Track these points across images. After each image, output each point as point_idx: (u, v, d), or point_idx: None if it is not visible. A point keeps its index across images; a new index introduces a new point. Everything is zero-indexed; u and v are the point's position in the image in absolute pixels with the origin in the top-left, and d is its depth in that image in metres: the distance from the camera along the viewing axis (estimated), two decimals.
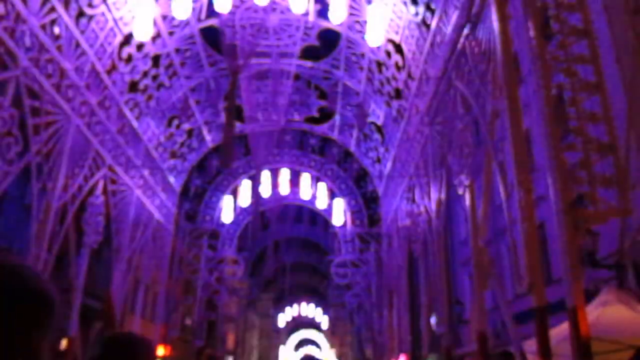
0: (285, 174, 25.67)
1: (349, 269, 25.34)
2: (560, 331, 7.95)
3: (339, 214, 25.39)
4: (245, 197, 26.01)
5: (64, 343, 14.60)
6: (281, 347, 59.47)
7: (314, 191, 25.75)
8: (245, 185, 26.05)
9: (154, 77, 17.17)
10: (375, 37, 14.38)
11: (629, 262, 11.27)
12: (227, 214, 25.99)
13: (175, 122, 20.31)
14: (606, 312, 8.70)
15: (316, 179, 25.85)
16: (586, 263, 11.16)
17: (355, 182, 25.57)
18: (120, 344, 1.98)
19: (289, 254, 40.63)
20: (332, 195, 25.80)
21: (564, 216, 6.70)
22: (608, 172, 6.98)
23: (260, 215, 27.13)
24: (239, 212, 28.73)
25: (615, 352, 7.91)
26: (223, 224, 26.65)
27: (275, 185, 25.64)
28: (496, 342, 15.58)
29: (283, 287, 42.96)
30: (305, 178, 25.67)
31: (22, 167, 10.68)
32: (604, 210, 6.95)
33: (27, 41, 10.58)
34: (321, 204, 25.88)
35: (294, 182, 25.75)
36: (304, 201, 27.02)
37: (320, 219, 31.53)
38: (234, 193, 26.66)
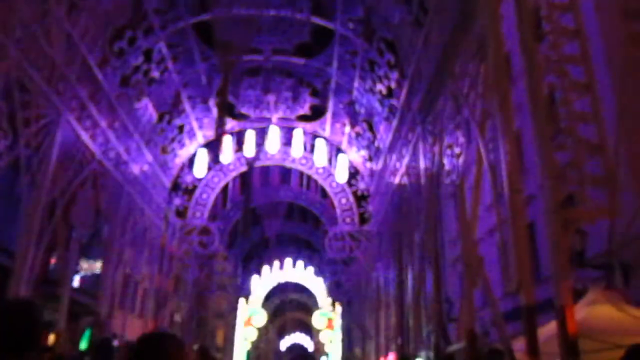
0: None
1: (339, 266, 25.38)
2: (548, 330, 8.01)
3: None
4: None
5: (51, 337, 14.53)
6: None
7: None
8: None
9: (146, 72, 17.11)
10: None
11: (617, 262, 11.36)
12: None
13: (167, 117, 20.24)
14: (594, 311, 8.77)
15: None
16: (575, 263, 11.24)
17: (346, 180, 25.55)
18: (152, 343, 1.98)
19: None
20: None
21: (554, 215, 6.73)
22: (597, 172, 7.02)
23: (252, 211, 27.05)
24: (230, 207, 28.76)
25: (602, 351, 7.97)
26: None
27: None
28: (484, 340, 15.65)
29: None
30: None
31: (12, 160, 10.61)
32: (593, 210, 7.00)
33: (18, 33, 10.49)
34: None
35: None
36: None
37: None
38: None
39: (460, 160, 10.62)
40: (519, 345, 8.22)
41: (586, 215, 7.01)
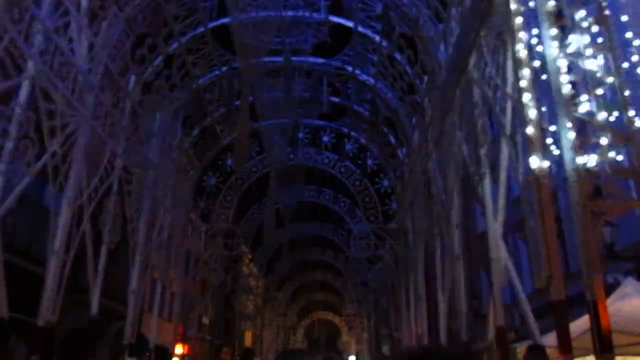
0: None
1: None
2: (580, 325, 7.87)
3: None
4: None
5: None
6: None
7: None
8: None
9: (167, 78, 17.29)
10: None
11: None
12: None
13: (189, 121, 20.42)
14: (626, 305, 8.60)
15: None
16: (605, 255, 11.04)
17: (369, 178, 25.51)
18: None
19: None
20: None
21: (582, 208, 6.61)
22: (626, 163, 6.87)
23: (275, 212, 27.09)
24: (254, 210, 28.94)
25: (636, 345, 7.82)
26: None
27: None
28: (514, 336, 15.46)
29: None
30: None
31: (39, 169, 10.77)
32: (621, 201, 6.86)
33: (41, 44, 10.65)
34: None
35: None
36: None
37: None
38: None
39: (486, 153, 10.50)
40: (550, 340, 8.11)
41: (615, 207, 6.86)
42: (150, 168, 17.22)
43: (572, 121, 6.98)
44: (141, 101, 16.40)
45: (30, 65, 10.31)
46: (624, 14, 7.78)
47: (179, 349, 23.69)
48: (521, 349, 9.26)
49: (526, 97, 7.70)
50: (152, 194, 17.25)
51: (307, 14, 17.36)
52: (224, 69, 19.38)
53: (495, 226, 10.25)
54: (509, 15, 8.47)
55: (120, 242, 14.89)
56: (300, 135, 24.65)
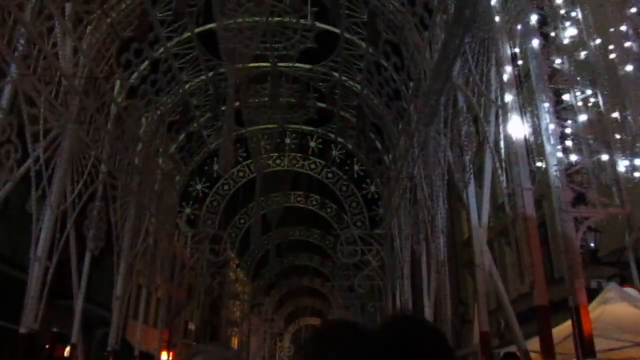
0: None
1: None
2: (563, 329, 7.92)
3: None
4: None
5: (66, 349, 14.58)
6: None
7: None
8: None
9: (153, 82, 17.19)
10: None
11: (632, 259, 11.21)
12: None
13: (175, 126, 20.33)
14: (609, 309, 8.65)
15: None
16: (589, 261, 11.11)
17: (356, 184, 25.52)
18: None
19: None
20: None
21: (565, 215, 6.66)
22: (608, 170, 6.94)
23: (262, 218, 27.05)
24: (240, 215, 28.83)
25: (618, 349, 7.86)
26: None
27: None
28: (499, 342, 15.52)
29: None
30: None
31: (22, 174, 10.66)
32: (604, 208, 6.91)
33: (25, 49, 10.56)
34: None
35: None
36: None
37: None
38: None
39: (471, 159, 10.55)
40: (533, 345, 8.14)
41: (597, 212, 6.92)
42: (136, 173, 17.11)
43: (555, 128, 7.04)
44: (126, 106, 16.31)
45: (12, 69, 10.22)
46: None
47: (164, 356, 23.50)
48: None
49: (509, 104, 7.76)
50: (137, 199, 17.14)
51: (293, 20, 17.36)
52: (210, 74, 19.32)
53: (480, 232, 10.29)
54: (492, 23, 8.55)
55: (105, 248, 14.76)
56: (287, 140, 24.61)
